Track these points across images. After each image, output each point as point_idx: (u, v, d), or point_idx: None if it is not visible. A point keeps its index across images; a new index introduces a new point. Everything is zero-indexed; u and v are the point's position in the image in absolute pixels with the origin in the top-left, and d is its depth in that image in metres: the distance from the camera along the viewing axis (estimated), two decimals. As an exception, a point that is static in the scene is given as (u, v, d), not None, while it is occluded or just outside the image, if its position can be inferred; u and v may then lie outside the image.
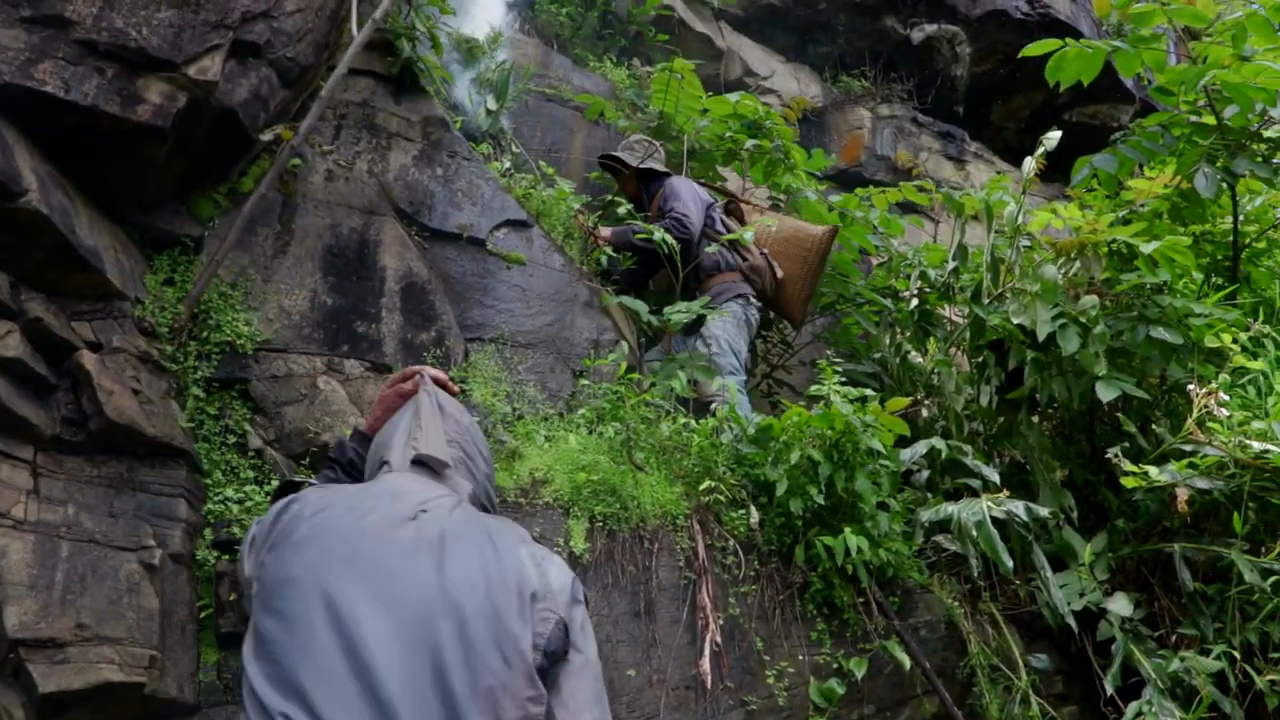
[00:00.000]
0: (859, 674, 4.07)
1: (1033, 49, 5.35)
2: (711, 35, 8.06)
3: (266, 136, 4.04)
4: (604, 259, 5.18)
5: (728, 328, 5.18)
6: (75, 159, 3.50)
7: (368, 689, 1.58)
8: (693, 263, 5.28)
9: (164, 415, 3.52)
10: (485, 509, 2.13)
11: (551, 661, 1.73)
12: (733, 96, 6.20)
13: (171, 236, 3.92)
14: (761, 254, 5.50)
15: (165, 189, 3.87)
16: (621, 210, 5.38)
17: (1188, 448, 4.71)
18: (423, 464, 2.05)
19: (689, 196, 5.37)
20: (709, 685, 3.73)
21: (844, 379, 4.44)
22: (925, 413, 5.54)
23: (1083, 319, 4.89)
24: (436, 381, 2.40)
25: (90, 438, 3.36)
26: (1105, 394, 4.74)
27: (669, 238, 4.95)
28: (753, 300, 5.40)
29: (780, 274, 5.53)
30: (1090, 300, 4.91)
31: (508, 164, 5.52)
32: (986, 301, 5.34)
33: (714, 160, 6.45)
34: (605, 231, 5.30)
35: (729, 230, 5.41)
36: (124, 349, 3.51)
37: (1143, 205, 5.88)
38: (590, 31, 7.47)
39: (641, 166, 5.64)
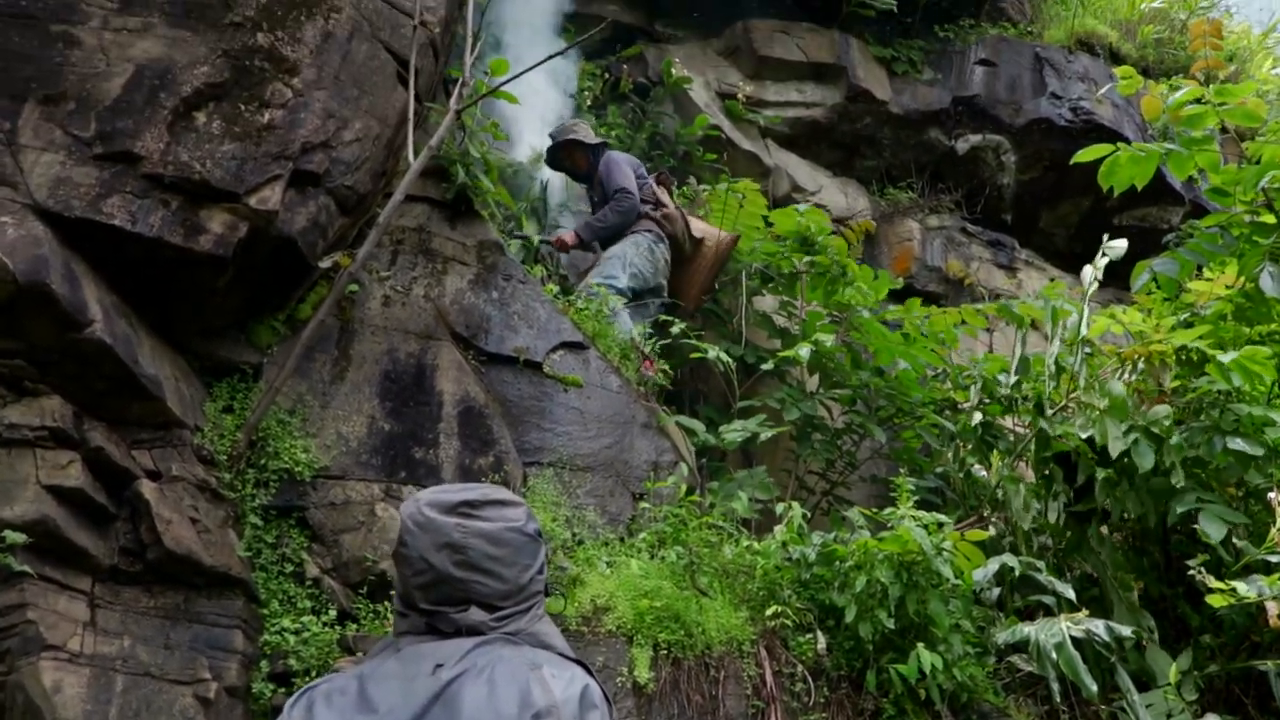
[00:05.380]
0: (939, 805, 3.86)
1: (1085, 155, 5.32)
2: (759, 153, 8.14)
3: (325, 264, 4.09)
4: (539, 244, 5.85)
5: (626, 248, 6.01)
6: (139, 289, 3.55)
7: None
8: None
9: (221, 544, 3.48)
10: (515, 608, 2.03)
11: None
12: (800, 207, 6.46)
13: (231, 364, 3.95)
14: (676, 208, 6.32)
15: (226, 317, 3.91)
16: (675, 329, 5.56)
17: (1274, 559, 4.50)
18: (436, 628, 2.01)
19: (629, 169, 6.24)
20: (782, 822, 3.54)
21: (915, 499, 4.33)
22: (991, 529, 5.38)
23: (1155, 429, 4.75)
24: None
25: (148, 568, 3.34)
26: (1179, 508, 4.59)
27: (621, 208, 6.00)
28: (661, 237, 6.15)
29: (696, 231, 6.28)
30: (1163, 410, 4.77)
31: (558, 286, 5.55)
32: (1050, 413, 5.21)
33: (776, 283, 6.49)
34: (568, 235, 6.09)
35: (657, 196, 6.30)
36: (183, 477, 3.50)
37: (1204, 308, 5.77)
38: (639, 152, 7.57)
39: (596, 142, 6.37)
